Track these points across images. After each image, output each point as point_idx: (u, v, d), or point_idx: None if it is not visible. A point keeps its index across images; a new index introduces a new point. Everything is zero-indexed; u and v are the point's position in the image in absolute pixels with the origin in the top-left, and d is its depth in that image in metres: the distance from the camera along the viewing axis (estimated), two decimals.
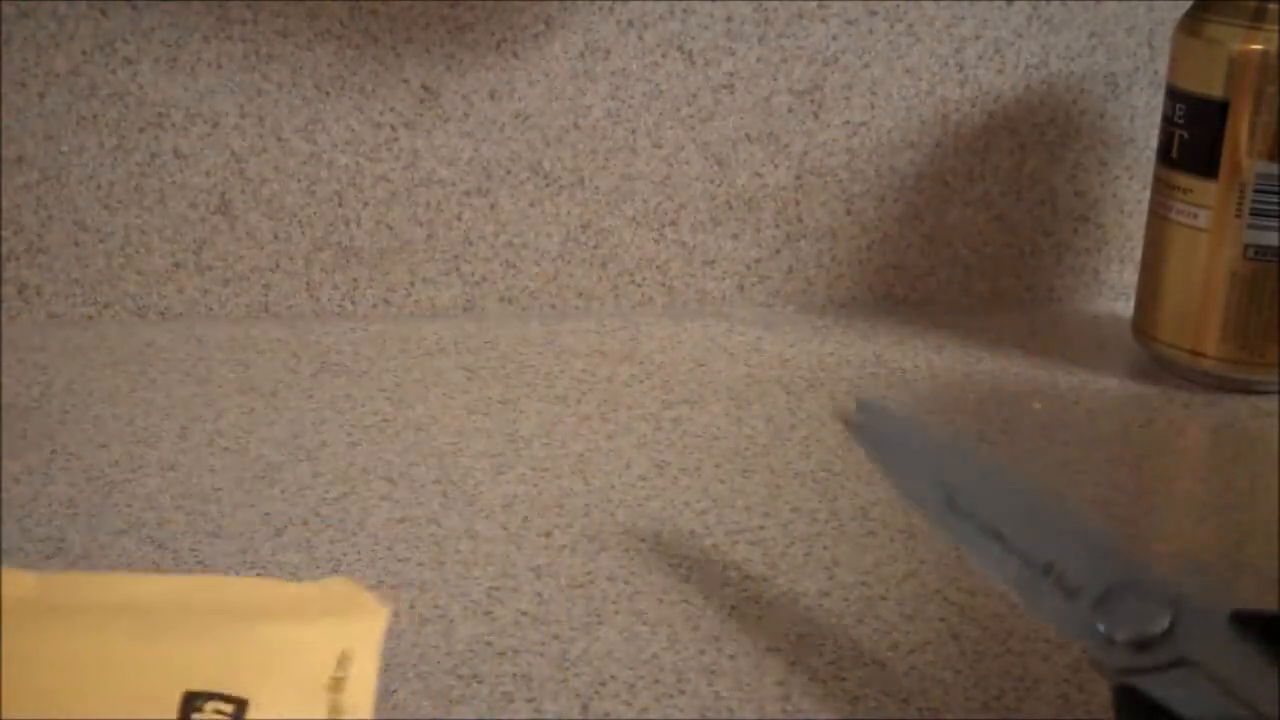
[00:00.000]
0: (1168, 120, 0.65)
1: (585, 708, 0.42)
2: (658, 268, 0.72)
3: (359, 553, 0.50)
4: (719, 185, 0.72)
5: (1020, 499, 0.40)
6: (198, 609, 0.34)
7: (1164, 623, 0.36)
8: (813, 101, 0.71)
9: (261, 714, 0.31)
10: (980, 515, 0.40)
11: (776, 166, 0.72)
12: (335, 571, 0.49)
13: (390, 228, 0.70)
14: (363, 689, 0.33)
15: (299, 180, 0.69)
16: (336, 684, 0.33)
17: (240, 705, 0.31)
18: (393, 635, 0.45)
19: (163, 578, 0.36)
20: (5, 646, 0.31)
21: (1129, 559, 0.38)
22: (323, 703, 0.32)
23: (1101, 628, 0.36)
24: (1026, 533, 0.39)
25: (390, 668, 0.43)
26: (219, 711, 0.31)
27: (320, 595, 0.36)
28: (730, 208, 0.72)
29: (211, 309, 0.70)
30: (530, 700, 0.42)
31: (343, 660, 0.33)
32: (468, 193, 0.70)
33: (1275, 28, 0.61)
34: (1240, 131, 0.62)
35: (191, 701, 0.31)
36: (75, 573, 0.34)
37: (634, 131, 0.70)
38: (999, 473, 0.42)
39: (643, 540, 0.51)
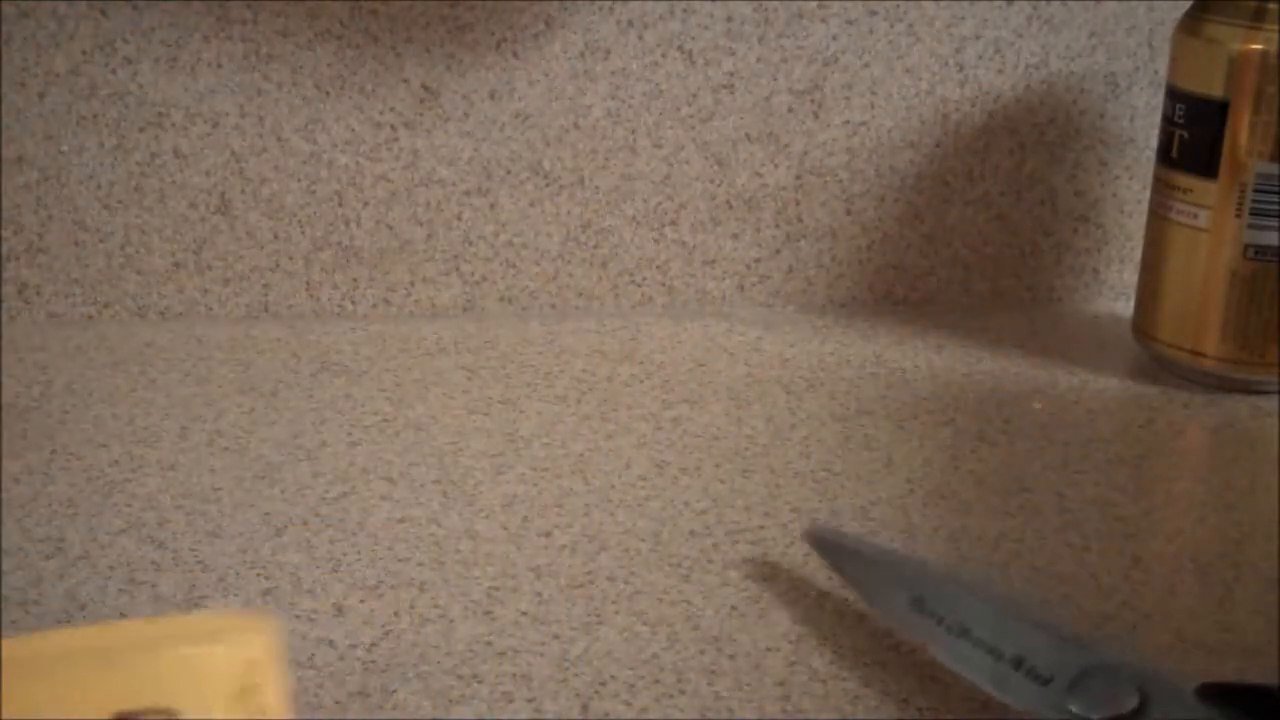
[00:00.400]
0: (1168, 120, 0.65)
1: (585, 708, 0.42)
2: (658, 268, 0.72)
3: (359, 553, 0.50)
4: (719, 185, 0.72)
5: (984, 599, 0.42)
6: (111, 647, 0.34)
7: (1134, 702, 0.38)
8: (813, 101, 0.71)
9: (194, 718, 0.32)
10: (947, 616, 0.42)
11: (776, 166, 0.72)
12: (335, 571, 0.49)
13: (390, 228, 0.70)
14: (277, 691, 0.34)
15: (299, 180, 0.69)
16: (254, 689, 0.34)
17: (170, 715, 0.32)
18: (393, 635, 0.45)
19: (70, 631, 0.36)
20: None
21: (1095, 645, 0.40)
22: (245, 706, 0.33)
23: (1076, 710, 0.39)
24: (994, 629, 0.41)
25: (390, 668, 0.43)
26: None
27: (214, 617, 0.37)
28: (730, 208, 0.72)
29: (211, 309, 0.70)
30: (530, 700, 0.42)
31: (252, 667, 0.34)
32: (468, 193, 0.70)
33: (1275, 28, 0.61)
34: (1240, 131, 0.62)
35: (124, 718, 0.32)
36: None
37: (634, 131, 0.70)
38: (961, 577, 0.45)
39: (643, 540, 0.51)
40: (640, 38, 0.69)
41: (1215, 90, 0.62)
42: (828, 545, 0.48)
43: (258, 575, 0.48)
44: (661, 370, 0.66)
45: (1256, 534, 0.54)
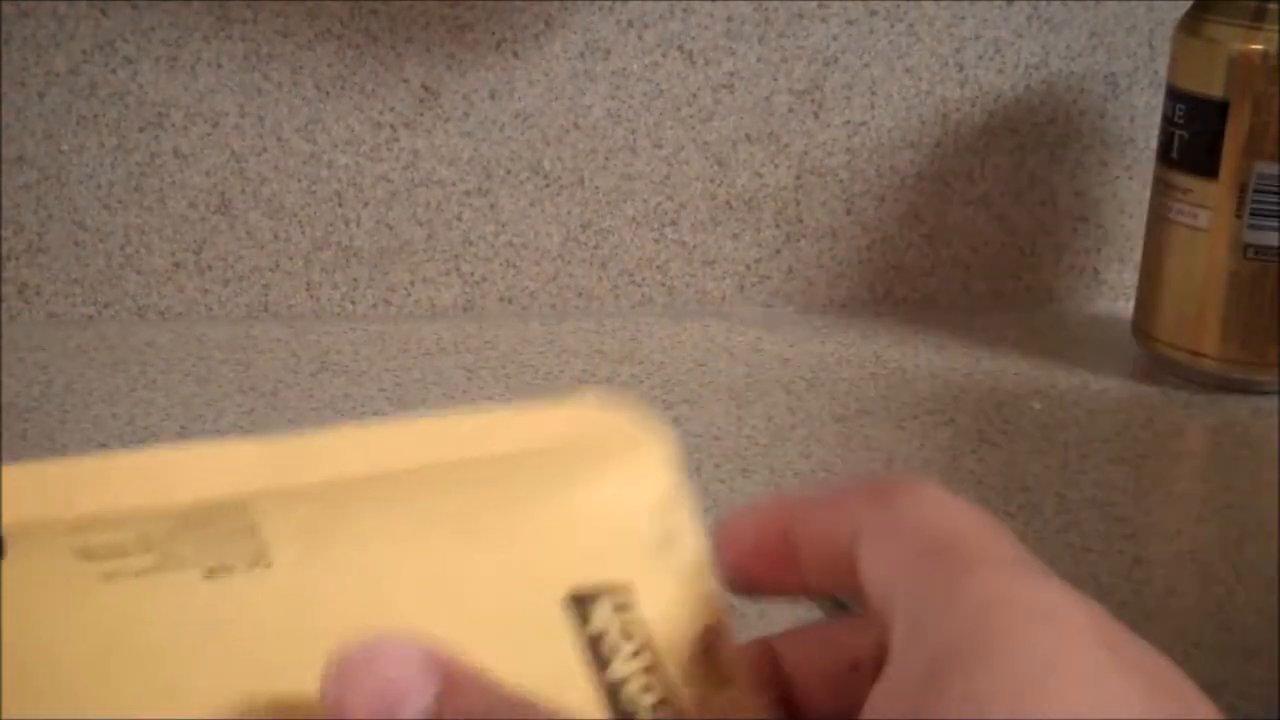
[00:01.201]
0: (1168, 120, 0.65)
1: None
2: (658, 268, 0.72)
3: None
4: (719, 185, 0.72)
5: None
6: (482, 490, 0.27)
7: None
8: (813, 101, 0.71)
9: (650, 597, 0.27)
10: None
11: (776, 166, 0.72)
12: None
13: (390, 228, 0.70)
14: (695, 536, 0.29)
15: (299, 180, 0.69)
16: (671, 537, 0.28)
17: (626, 590, 0.26)
18: None
19: (386, 440, 0.28)
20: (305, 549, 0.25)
21: None
22: (668, 565, 0.28)
23: None
24: None
25: None
26: (619, 606, 0.26)
27: (583, 429, 0.29)
28: (730, 208, 0.72)
29: (211, 309, 0.70)
30: None
31: (666, 505, 0.28)
32: (468, 193, 0.70)
33: (1275, 28, 0.61)
34: (1240, 131, 0.62)
35: (582, 606, 0.26)
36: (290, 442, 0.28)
37: (634, 131, 0.70)
38: None
39: None
40: (640, 38, 0.69)
41: (1215, 90, 0.62)
42: None
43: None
44: (661, 370, 0.66)
45: (1256, 534, 0.54)
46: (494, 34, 0.68)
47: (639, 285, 0.73)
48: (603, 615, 0.26)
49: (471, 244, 0.71)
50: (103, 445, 0.57)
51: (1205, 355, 0.65)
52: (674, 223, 0.72)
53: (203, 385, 0.63)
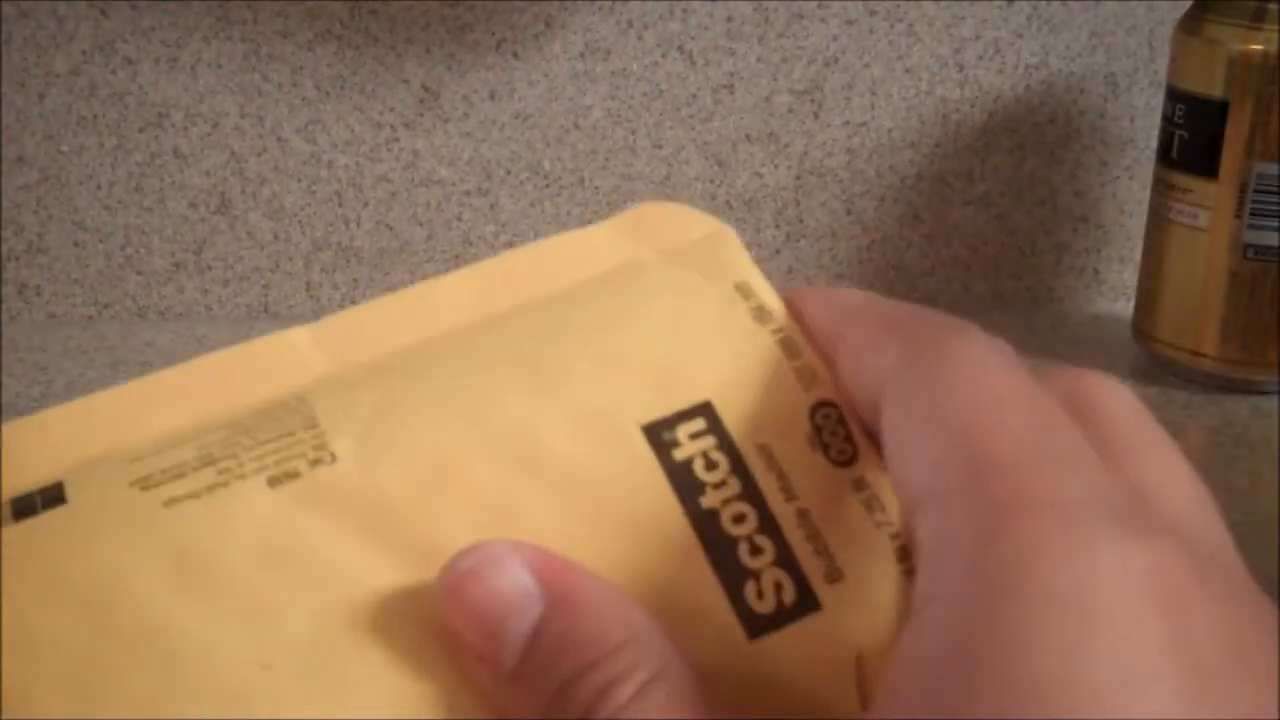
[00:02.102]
0: (1168, 120, 0.65)
1: None
2: None
3: None
4: (719, 185, 0.72)
5: None
6: (543, 335, 0.26)
7: None
8: (813, 101, 0.71)
9: (733, 405, 0.25)
10: None
11: (776, 166, 0.72)
12: None
13: (390, 228, 0.70)
14: (775, 301, 0.26)
15: (299, 180, 0.69)
16: (761, 314, 0.26)
17: (707, 409, 0.25)
18: None
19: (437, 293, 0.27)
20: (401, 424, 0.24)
21: None
22: (763, 341, 0.26)
23: None
24: None
25: None
26: (694, 433, 0.25)
27: (641, 235, 0.28)
28: (730, 208, 0.72)
29: (211, 309, 0.70)
30: None
31: (745, 292, 0.27)
32: (468, 193, 0.70)
33: (1275, 28, 0.61)
34: (1240, 131, 0.62)
35: (657, 435, 0.25)
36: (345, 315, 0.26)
37: (634, 131, 0.70)
38: None
39: None
40: (640, 38, 0.69)
41: (1215, 90, 0.62)
42: None
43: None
44: None
45: (1257, 534, 0.54)
46: (494, 34, 0.68)
47: None
48: (686, 443, 0.25)
49: (471, 244, 0.71)
50: None
51: (1205, 355, 0.65)
52: None
53: None
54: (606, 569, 0.23)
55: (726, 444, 0.25)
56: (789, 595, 0.24)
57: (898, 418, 0.23)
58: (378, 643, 0.22)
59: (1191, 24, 0.64)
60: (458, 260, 0.71)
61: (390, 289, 0.71)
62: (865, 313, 0.25)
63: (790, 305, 0.26)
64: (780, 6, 0.69)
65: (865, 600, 0.24)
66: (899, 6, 0.70)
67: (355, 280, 0.71)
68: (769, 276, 0.76)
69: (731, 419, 0.25)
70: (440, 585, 0.22)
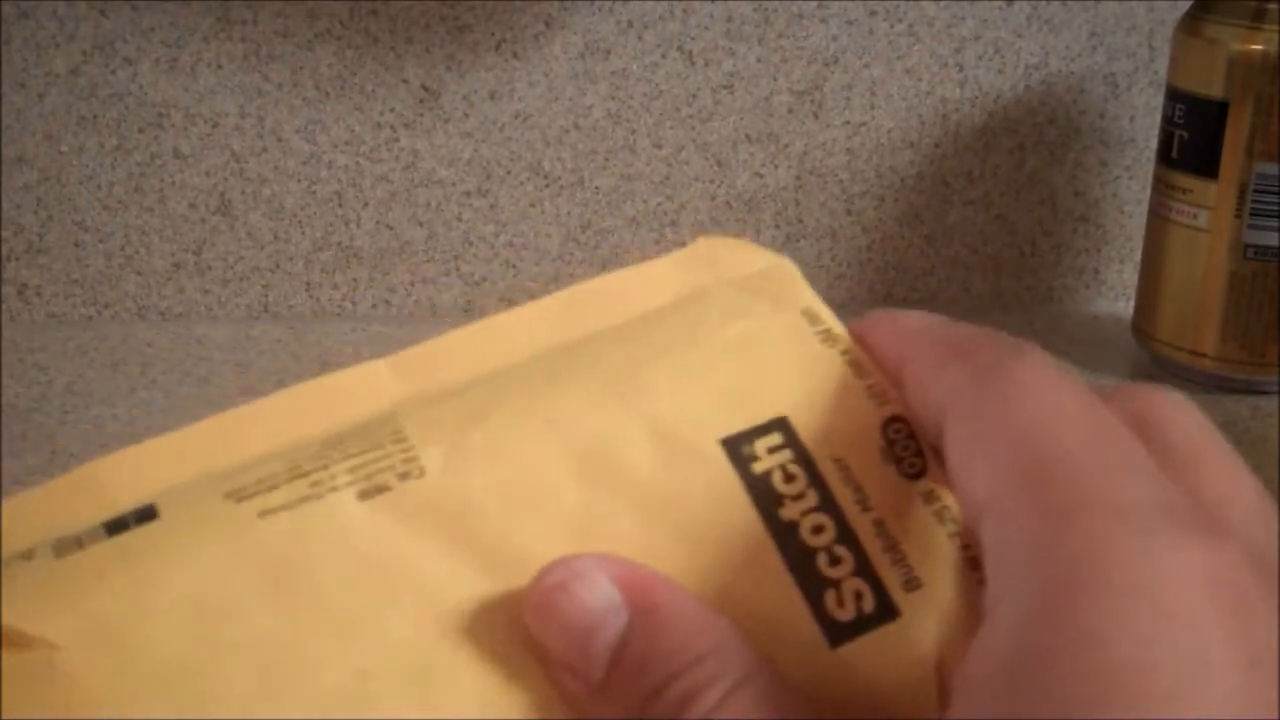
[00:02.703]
0: (1168, 120, 0.65)
1: None
2: None
3: None
4: (719, 185, 0.72)
5: None
6: (620, 353, 0.26)
7: None
8: (813, 101, 0.71)
9: (807, 420, 0.26)
10: None
11: (776, 166, 0.72)
12: None
13: (390, 228, 0.70)
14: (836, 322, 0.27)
15: (299, 180, 0.69)
16: (828, 337, 0.27)
17: (783, 424, 0.25)
18: None
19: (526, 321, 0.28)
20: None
21: None
22: (833, 361, 0.26)
23: None
24: None
25: None
26: (772, 447, 0.25)
27: (705, 271, 0.28)
28: (730, 208, 0.72)
29: (211, 309, 0.70)
30: None
31: (811, 317, 0.27)
32: (468, 193, 0.70)
33: (1275, 28, 0.61)
34: (1240, 131, 0.62)
35: (736, 448, 0.25)
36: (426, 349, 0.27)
37: (634, 131, 0.70)
38: None
39: None
40: (640, 38, 0.69)
41: (1215, 90, 0.62)
42: None
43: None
44: None
45: None
46: (494, 34, 0.68)
47: None
48: (764, 456, 0.25)
49: (471, 244, 0.71)
50: (103, 446, 0.57)
51: (1205, 355, 0.65)
52: (674, 223, 0.72)
53: (203, 385, 0.63)
54: (688, 580, 0.24)
55: (803, 457, 0.25)
56: (869, 604, 0.24)
57: (961, 432, 0.23)
58: (471, 651, 0.23)
59: (1191, 24, 0.64)
60: (458, 260, 0.71)
61: (390, 289, 0.71)
62: (929, 334, 0.25)
63: (857, 331, 0.27)
64: (780, 6, 0.69)
65: (942, 608, 0.24)
66: (899, 6, 0.70)
67: (355, 280, 0.71)
68: None
69: (806, 434, 0.26)
70: (528, 600, 0.23)
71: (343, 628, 0.22)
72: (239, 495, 0.23)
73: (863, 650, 0.24)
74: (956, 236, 0.74)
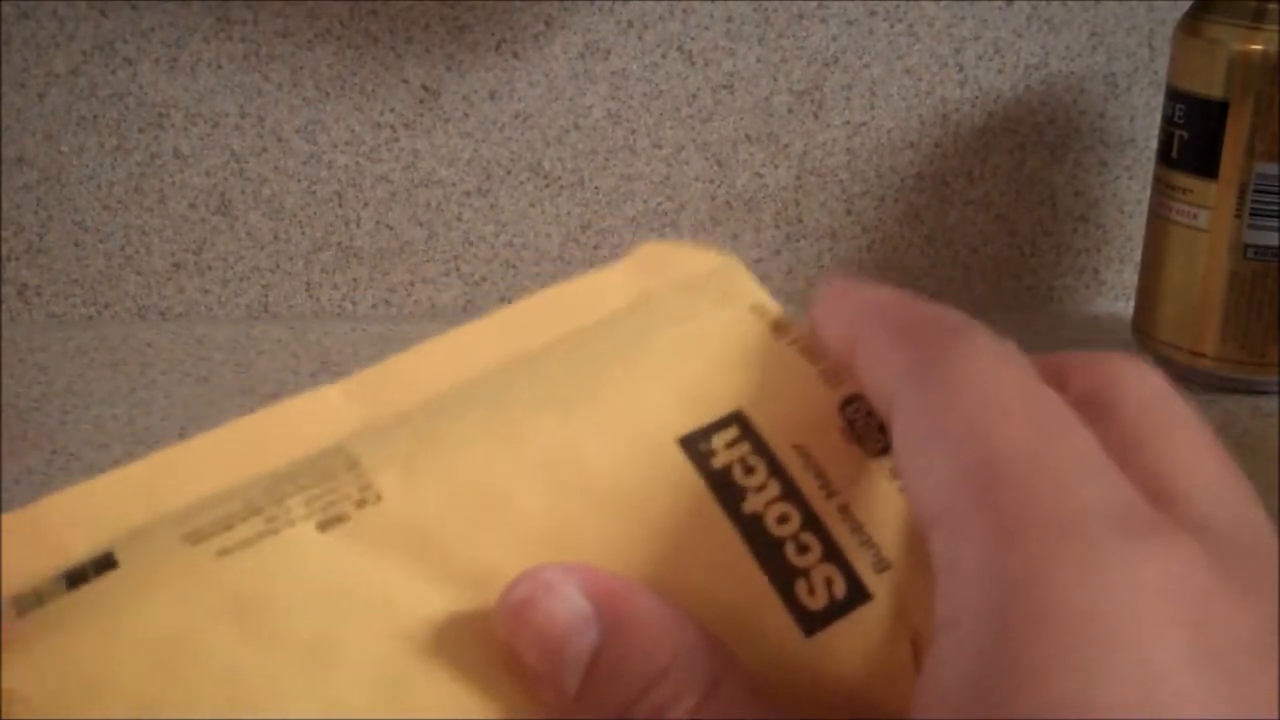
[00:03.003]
0: (1168, 120, 0.65)
1: None
2: None
3: None
4: (719, 185, 0.72)
5: None
6: (569, 365, 0.26)
7: None
8: (813, 101, 0.71)
9: (763, 410, 0.25)
10: None
11: (776, 166, 0.72)
12: None
13: (390, 228, 0.70)
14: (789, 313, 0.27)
15: (299, 180, 0.69)
16: (777, 328, 0.27)
17: (739, 418, 0.25)
18: None
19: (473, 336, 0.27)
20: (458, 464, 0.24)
21: None
22: (783, 351, 0.26)
23: None
24: None
25: None
26: (729, 441, 0.25)
27: (654, 274, 0.28)
28: (730, 208, 0.72)
29: (211, 309, 0.70)
30: None
31: (759, 311, 0.27)
32: (468, 193, 0.70)
33: (1275, 28, 0.61)
34: (1240, 131, 0.62)
35: (693, 446, 0.25)
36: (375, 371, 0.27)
37: (634, 131, 0.70)
38: None
39: None
40: (640, 38, 0.69)
41: (1215, 90, 0.62)
42: None
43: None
44: None
45: None
46: (494, 34, 0.68)
47: None
48: (722, 451, 0.25)
49: (471, 244, 0.71)
50: (103, 446, 0.57)
51: (1205, 355, 0.65)
52: (674, 223, 0.72)
53: (203, 385, 0.63)
54: (657, 581, 0.24)
55: (762, 448, 0.25)
56: (840, 589, 0.24)
57: (906, 430, 0.23)
58: (444, 671, 0.23)
59: (1191, 24, 0.64)
60: (458, 260, 0.71)
61: (390, 289, 0.71)
62: (880, 312, 0.25)
63: (814, 304, 0.27)
64: (780, 6, 0.69)
65: (914, 584, 0.24)
66: (899, 6, 0.70)
67: (355, 280, 0.71)
68: (769, 276, 0.76)
69: (763, 424, 0.25)
70: (498, 614, 0.23)
71: (311, 657, 0.22)
72: (196, 537, 0.23)
73: (837, 636, 0.24)
74: (956, 236, 0.74)
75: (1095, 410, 0.23)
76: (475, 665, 0.23)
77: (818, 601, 0.24)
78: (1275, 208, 0.62)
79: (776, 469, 0.25)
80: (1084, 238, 0.75)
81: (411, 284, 0.71)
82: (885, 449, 0.25)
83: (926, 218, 0.74)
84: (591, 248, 0.72)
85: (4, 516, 0.24)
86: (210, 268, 0.69)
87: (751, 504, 0.25)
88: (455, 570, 0.23)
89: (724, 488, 0.25)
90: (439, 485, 0.24)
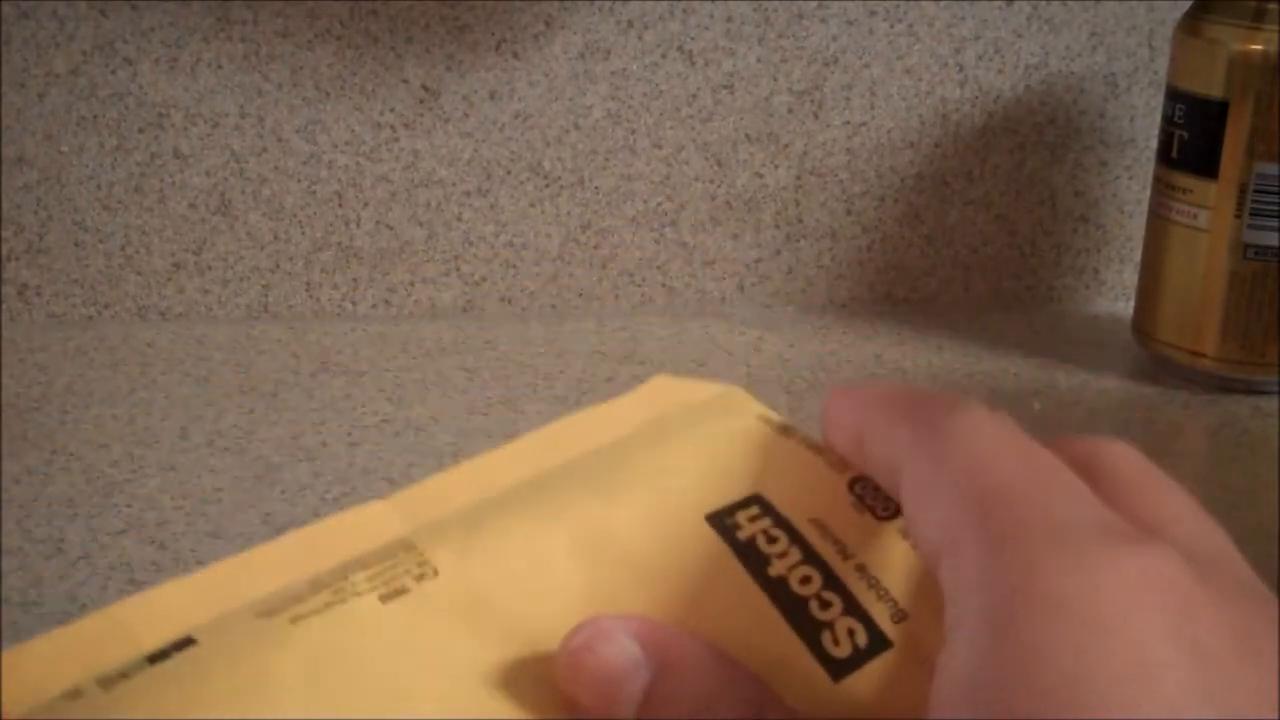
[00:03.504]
0: (1168, 120, 0.65)
1: None
2: (658, 268, 0.72)
3: None
4: (719, 185, 0.72)
5: None
6: (603, 463, 0.29)
7: None
8: (813, 101, 0.71)
9: (779, 493, 0.28)
10: None
11: (776, 166, 0.72)
12: None
13: (390, 228, 0.70)
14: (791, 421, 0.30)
15: (299, 180, 0.69)
16: (784, 430, 0.30)
17: (759, 499, 0.28)
18: None
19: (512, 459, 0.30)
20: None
21: None
22: (792, 448, 0.29)
23: None
24: None
25: None
26: (752, 517, 0.28)
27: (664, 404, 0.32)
28: (730, 208, 0.72)
29: (211, 309, 0.70)
30: None
31: (766, 419, 0.30)
32: (468, 193, 0.70)
33: (1275, 28, 0.61)
34: (1240, 131, 0.62)
35: (719, 521, 0.28)
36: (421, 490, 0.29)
37: (634, 131, 0.70)
38: None
39: None
40: (640, 38, 0.69)
41: (1215, 90, 0.62)
42: None
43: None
44: (661, 370, 0.66)
45: (1257, 534, 0.54)
46: (494, 34, 0.68)
47: (639, 285, 0.73)
48: (746, 525, 0.28)
49: (471, 244, 0.71)
50: (103, 445, 0.57)
51: (1205, 355, 0.65)
52: (674, 223, 0.72)
53: (203, 385, 0.63)
54: (694, 636, 0.26)
55: (782, 522, 0.28)
56: (862, 638, 0.26)
57: (912, 483, 0.25)
58: (506, 714, 0.25)
59: (1191, 24, 0.64)
60: (458, 260, 0.71)
61: (390, 289, 0.71)
62: (881, 402, 0.27)
63: (826, 403, 0.29)
64: (780, 6, 0.69)
65: (931, 630, 0.26)
66: (899, 6, 0.70)
67: (355, 280, 0.71)
68: (769, 276, 0.76)
69: (781, 503, 0.28)
70: (558, 659, 0.25)
71: (377, 709, 0.24)
72: (268, 612, 0.25)
73: (863, 680, 0.26)
74: (956, 236, 0.74)
75: (1082, 473, 0.25)
76: (536, 708, 0.25)
77: (843, 650, 0.26)
78: (1275, 208, 0.62)
79: (796, 538, 0.27)
80: (1084, 238, 0.75)
81: (411, 284, 0.71)
82: (895, 513, 0.28)
83: (926, 218, 0.74)
84: (591, 248, 0.72)
85: (82, 622, 0.26)
86: (210, 268, 0.69)
87: (776, 568, 0.27)
88: (509, 632, 0.25)
89: (750, 555, 0.27)
90: (490, 559, 0.26)
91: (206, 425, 0.59)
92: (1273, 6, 0.61)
